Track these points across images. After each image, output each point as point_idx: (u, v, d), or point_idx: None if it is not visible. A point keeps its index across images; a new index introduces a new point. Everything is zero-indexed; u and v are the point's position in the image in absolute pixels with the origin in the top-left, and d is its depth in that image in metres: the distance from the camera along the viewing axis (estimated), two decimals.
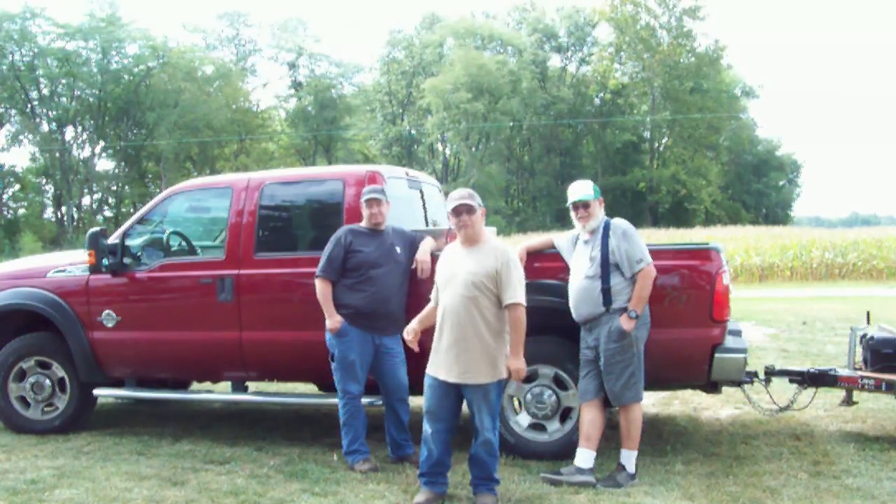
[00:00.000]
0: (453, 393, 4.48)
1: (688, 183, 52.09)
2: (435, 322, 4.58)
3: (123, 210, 48.09)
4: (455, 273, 4.46)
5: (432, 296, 4.70)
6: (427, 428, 4.55)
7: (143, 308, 6.13)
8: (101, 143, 47.98)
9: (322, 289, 5.27)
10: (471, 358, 4.39)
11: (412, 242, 5.48)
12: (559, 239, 5.33)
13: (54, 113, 46.01)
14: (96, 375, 6.23)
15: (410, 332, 4.66)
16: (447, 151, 60.50)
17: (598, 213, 5.01)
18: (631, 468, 4.87)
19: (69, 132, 47.30)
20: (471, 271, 4.41)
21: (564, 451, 5.20)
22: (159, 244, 6.40)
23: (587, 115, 56.06)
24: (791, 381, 5.98)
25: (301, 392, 6.80)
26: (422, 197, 6.60)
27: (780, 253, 24.93)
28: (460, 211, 4.46)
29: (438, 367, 4.48)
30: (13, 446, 6.02)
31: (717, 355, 5.16)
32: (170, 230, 6.49)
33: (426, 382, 4.56)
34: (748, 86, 61.48)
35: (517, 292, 4.38)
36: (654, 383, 5.16)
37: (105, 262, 6.05)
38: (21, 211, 48.53)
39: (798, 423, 6.30)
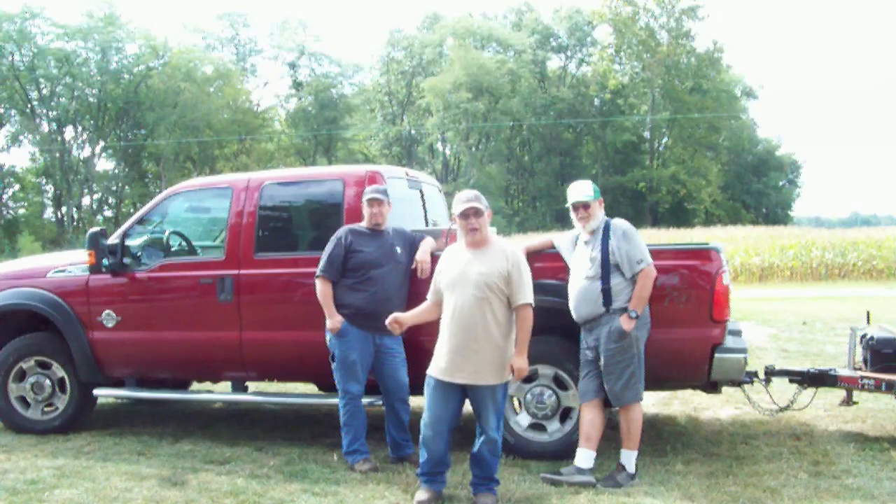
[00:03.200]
0: (458, 394, 4.48)
1: (688, 183, 52.07)
2: (428, 319, 4.67)
3: (123, 210, 48.08)
4: (464, 274, 4.43)
5: (430, 295, 4.68)
6: (428, 430, 4.52)
7: (143, 308, 6.13)
8: (101, 143, 48.00)
9: (322, 289, 5.26)
10: (481, 359, 4.39)
11: (412, 243, 5.48)
12: (559, 239, 5.33)
13: (54, 113, 46.01)
14: (96, 375, 6.23)
15: (396, 322, 4.59)
16: (447, 151, 60.50)
17: (598, 214, 5.01)
18: (631, 468, 4.87)
19: (69, 132, 47.36)
20: (483, 273, 4.40)
21: (564, 451, 5.21)
22: (159, 244, 6.40)
23: (587, 115, 56.02)
24: (791, 381, 5.99)
25: (301, 392, 6.80)
26: (422, 197, 6.60)
27: (780, 253, 24.91)
28: (468, 214, 4.44)
29: (445, 369, 4.45)
30: (13, 446, 6.02)
31: (717, 355, 5.15)
32: (170, 230, 6.49)
33: (428, 384, 4.53)
34: (748, 86, 61.53)
35: (528, 292, 4.43)
36: (654, 383, 5.16)
37: (105, 262, 6.05)
38: (21, 211, 48.55)
39: (798, 423, 6.30)
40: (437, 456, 4.53)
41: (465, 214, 4.44)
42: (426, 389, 4.55)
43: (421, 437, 4.57)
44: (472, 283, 4.40)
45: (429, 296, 4.69)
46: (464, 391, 4.48)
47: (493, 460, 4.53)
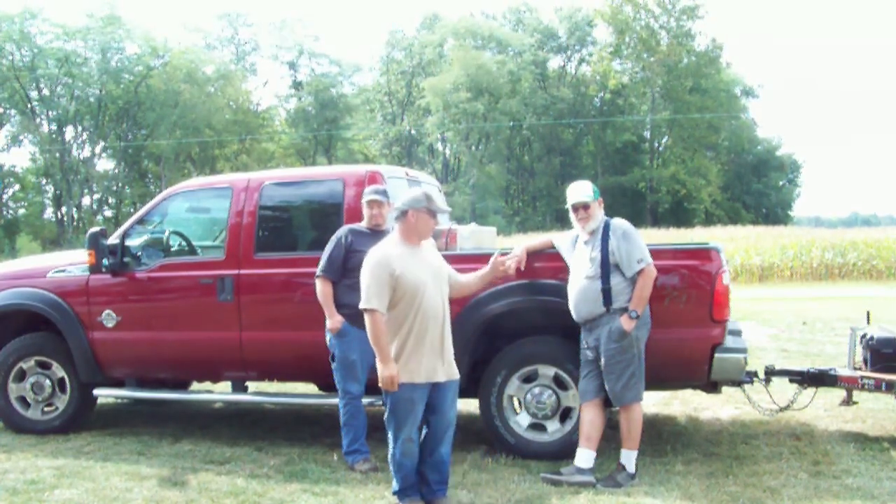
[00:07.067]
0: (427, 397, 4.32)
1: (688, 183, 52.08)
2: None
3: (123, 210, 48.09)
4: (428, 273, 4.31)
5: (377, 304, 4.16)
6: (408, 445, 4.30)
7: (143, 308, 6.13)
8: (101, 144, 48.00)
9: (323, 289, 5.26)
10: (452, 353, 4.39)
11: None
12: (559, 239, 5.33)
13: (54, 113, 46.02)
14: (96, 375, 6.23)
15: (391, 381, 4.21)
16: (447, 151, 60.51)
17: (598, 214, 5.00)
18: (631, 468, 4.87)
19: (69, 132, 47.36)
20: (439, 266, 4.42)
21: (564, 451, 5.20)
22: (159, 244, 6.40)
23: (587, 115, 56.04)
24: (791, 381, 5.99)
25: (301, 392, 6.80)
26: None
27: (780, 253, 24.90)
28: (436, 214, 4.40)
29: (425, 372, 4.25)
30: (13, 446, 6.02)
31: (717, 355, 5.15)
32: (170, 230, 6.49)
33: (404, 396, 4.22)
34: (748, 85, 61.51)
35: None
36: (654, 383, 5.15)
37: (105, 262, 6.05)
38: (21, 211, 48.56)
39: (798, 423, 6.30)
40: (415, 465, 4.38)
41: (435, 213, 4.37)
42: (402, 404, 4.23)
43: (399, 454, 4.31)
44: (438, 280, 4.35)
45: (377, 306, 4.16)
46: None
47: (449, 461, 4.46)
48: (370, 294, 4.18)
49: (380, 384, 4.23)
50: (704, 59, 54.58)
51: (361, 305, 4.23)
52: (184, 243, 6.59)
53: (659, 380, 5.22)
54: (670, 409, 6.97)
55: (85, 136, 48.31)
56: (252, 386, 6.50)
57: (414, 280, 4.22)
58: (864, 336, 6.01)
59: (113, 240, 6.13)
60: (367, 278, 4.22)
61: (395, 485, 4.44)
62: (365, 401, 5.37)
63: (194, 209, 6.81)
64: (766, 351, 9.57)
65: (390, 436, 4.37)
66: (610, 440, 5.32)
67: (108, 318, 6.13)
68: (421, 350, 4.25)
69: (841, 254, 24.26)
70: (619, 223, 4.95)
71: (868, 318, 6.64)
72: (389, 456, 4.40)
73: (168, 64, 46.87)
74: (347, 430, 5.29)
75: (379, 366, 4.19)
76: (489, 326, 5.41)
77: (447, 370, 4.33)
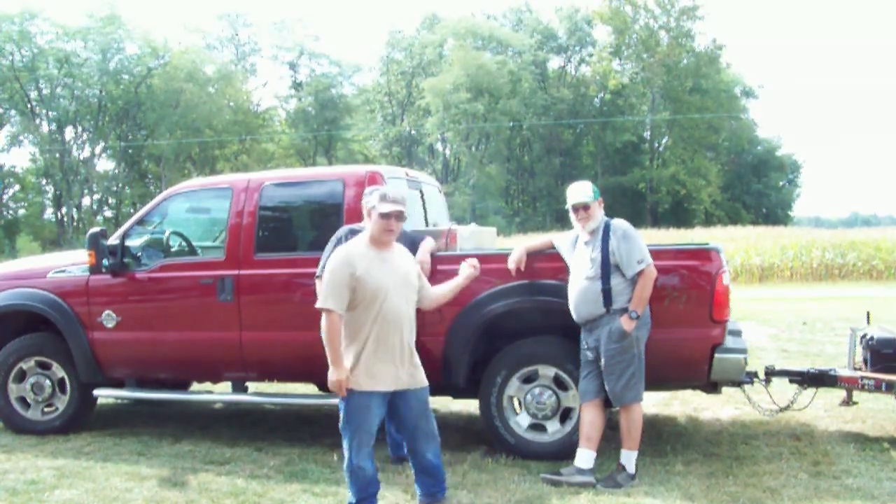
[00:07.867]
0: (386, 406, 4.23)
1: (688, 183, 52.09)
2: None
3: (123, 210, 48.12)
4: (391, 277, 4.16)
5: (334, 305, 4.05)
6: (360, 452, 4.19)
7: (143, 308, 6.13)
8: (101, 144, 48.00)
9: None
10: (416, 361, 4.26)
11: (412, 243, 5.47)
12: (559, 239, 5.33)
13: (54, 113, 46.03)
14: (96, 376, 6.23)
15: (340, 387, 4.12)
16: (447, 151, 60.50)
17: (598, 215, 5.00)
18: (631, 468, 4.87)
19: (69, 133, 47.40)
20: (407, 272, 4.27)
21: (564, 451, 5.20)
22: (159, 245, 6.41)
23: (587, 116, 56.04)
24: (791, 381, 5.98)
25: (301, 392, 6.79)
26: (422, 197, 6.60)
27: (780, 253, 24.90)
28: (392, 216, 4.16)
29: (384, 380, 4.13)
30: (13, 446, 6.02)
31: (717, 355, 5.15)
32: (170, 230, 6.49)
33: (360, 403, 4.13)
34: (748, 86, 61.47)
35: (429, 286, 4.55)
36: (654, 383, 5.15)
37: (105, 262, 6.05)
38: (21, 211, 48.57)
39: (798, 423, 6.30)
40: (370, 477, 4.27)
41: (389, 216, 4.15)
42: (358, 411, 4.14)
43: (353, 467, 4.20)
44: (402, 284, 4.21)
45: (333, 306, 4.06)
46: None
47: (440, 463, 4.41)
48: (328, 293, 4.08)
49: (329, 387, 4.15)
50: (704, 59, 54.58)
51: (318, 304, 4.13)
52: (184, 244, 6.59)
53: (659, 380, 5.22)
54: (670, 409, 6.97)
55: (85, 136, 48.35)
56: (252, 386, 6.50)
57: (375, 283, 4.08)
58: (864, 336, 6.01)
59: (113, 240, 6.13)
60: (328, 277, 4.13)
61: (350, 496, 4.27)
62: None
63: (194, 209, 6.80)
64: (766, 351, 9.58)
65: (345, 444, 4.22)
66: (610, 440, 5.32)
67: (109, 318, 6.13)
68: (380, 356, 4.11)
69: (841, 254, 24.25)
70: (619, 224, 4.95)
71: (868, 318, 6.64)
72: (345, 464, 4.25)
73: (168, 64, 46.88)
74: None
75: (330, 369, 4.09)
76: (489, 327, 5.41)
77: (409, 378, 4.19)
